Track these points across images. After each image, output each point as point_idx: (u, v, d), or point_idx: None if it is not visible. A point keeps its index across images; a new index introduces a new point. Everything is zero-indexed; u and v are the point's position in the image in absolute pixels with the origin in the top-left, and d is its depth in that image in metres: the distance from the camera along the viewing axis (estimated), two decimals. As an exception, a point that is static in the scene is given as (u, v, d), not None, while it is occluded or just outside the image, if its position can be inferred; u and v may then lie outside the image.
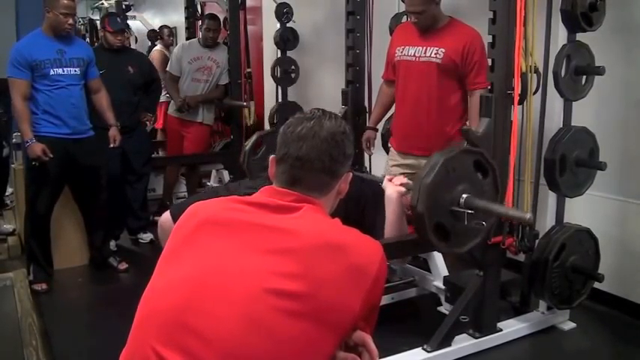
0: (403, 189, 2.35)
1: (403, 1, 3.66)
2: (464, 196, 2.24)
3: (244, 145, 3.31)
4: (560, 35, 2.63)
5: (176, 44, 6.57)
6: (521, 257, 2.77)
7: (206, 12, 6.49)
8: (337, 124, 1.36)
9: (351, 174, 1.42)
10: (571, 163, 2.68)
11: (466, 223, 2.25)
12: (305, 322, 1.11)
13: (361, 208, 2.47)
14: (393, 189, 2.37)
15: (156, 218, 4.41)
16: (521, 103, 2.57)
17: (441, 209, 2.24)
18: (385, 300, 2.92)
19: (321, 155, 1.31)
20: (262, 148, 3.39)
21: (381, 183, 2.50)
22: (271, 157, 1.40)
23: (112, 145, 3.79)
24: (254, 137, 3.38)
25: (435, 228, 2.25)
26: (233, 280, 1.15)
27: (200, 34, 5.15)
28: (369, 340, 1.22)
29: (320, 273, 1.14)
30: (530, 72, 2.60)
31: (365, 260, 1.20)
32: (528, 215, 2.18)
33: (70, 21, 3.45)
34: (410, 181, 2.38)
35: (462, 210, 2.23)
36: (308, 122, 1.34)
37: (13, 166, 4.59)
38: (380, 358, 1.24)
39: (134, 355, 1.18)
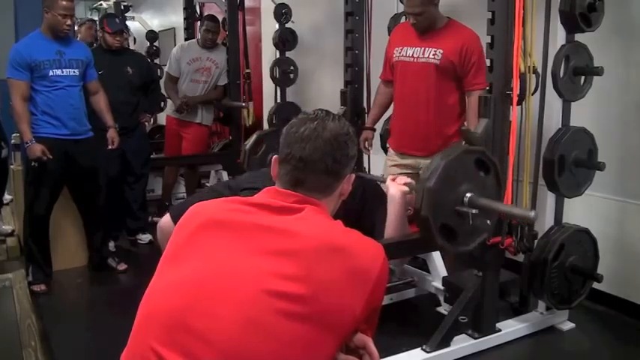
0: (406, 188, 2.35)
1: (402, 2, 3.67)
2: (467, 195, 2.25)
3: (244, 144, 3.31)
4: (559, 36, 2.63)
5: (175, 45, 6.57)
6: (520, 257, 2.77)
7: (205, 13, 6.49)
8: (340, 125, 1.36)
9: (353, 175, 1.42)
10: (570, 163, 2.68)
11: (471, 222, 2.25)
12: (306, 324, 1.11)
13: (360, 207, 2.47)
14: (396, 189, 2.36)
15: (155, 219, 4.42)
16: (519, 103, 2.57)
17: (445, 210, 2.25)
18: (384, 300, 2.89)
19: (324, 156, 1.31)
20: (262, 148, 3.39)
21: (381, 182, 2.50)
22: (274, 157, 1.39)
23: (110, 147, 3.79)
24: (254, 137, 3.38)
25: (440, 229, 2.25)
26: (234, 281, 1.15)
27: (199, 35, 5.14)
28: (370, 342, 1.22)
29: (321, 275, 1.14)
30: (529, 72, 2.60)
31: (367, 263, 1.20)
32: (532, 213, 2.18)
33: (69, 22, 3.45)
34: (412, 181, 2.38)
35: (467, 210, 2.23)
36: (311, 123, 1.34)
37: (11, 167, 4.59)
38: (379, 358, 1.24)
39: (134, 356, 1.17)
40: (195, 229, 1.27)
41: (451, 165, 2.23)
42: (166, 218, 2.34)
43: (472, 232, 2.34)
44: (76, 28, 5.42)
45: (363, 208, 2.46)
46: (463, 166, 2.28)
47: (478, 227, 2.32)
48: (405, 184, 2.36)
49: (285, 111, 4.95)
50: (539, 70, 2.69)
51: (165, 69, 5.32)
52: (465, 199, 2.25)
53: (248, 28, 5.26)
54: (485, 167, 2.35)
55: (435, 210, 2.21)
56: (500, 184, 2.40)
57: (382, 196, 2.46)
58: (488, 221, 2.33)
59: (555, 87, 2.62)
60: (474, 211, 2.22)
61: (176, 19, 7.59)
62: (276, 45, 5.22)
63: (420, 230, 2.30)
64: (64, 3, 3.37)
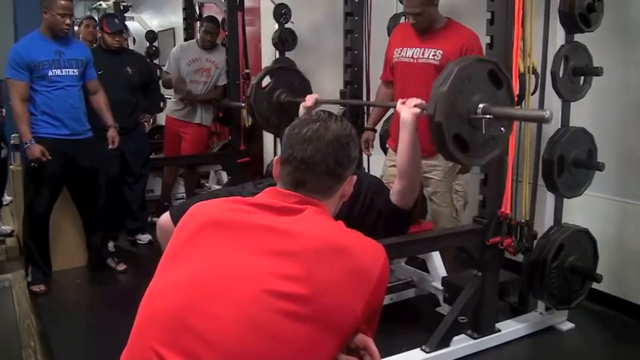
0: (418, 110, 2.31)
1: (401, 2, 3.67)
2: (480, 105, 2.16)
3: (252, 79, 3.32)
4: (559, 36, 2.64)
5: (174, 45, 6.57)
6: (520, 258, 2.78)
7: (204, 13, 6.48)
8: (343, 126, 1.36)
9: (355, 177, 1.42)
10: (569, 163, 2.68)
11: (484, 132, 2.17)
12: (306, 324, 1.11)
13: (366, 205, 2.47)
14: (407, 111, 2.33)
15: (154, 219, 4.41)
16: (519, 103, 2.57)
17: (458, 118, 2.16)
18: (384, 300, 2.92)
19: (326, 158, 1.31)
20: (269, 84, 3.40)
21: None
22: (275, 157, 1.40)
23: (110, 147, 3.79)
24: (261, 72, 3.39)
25: (453, 138, 2.17)
26: (235, 281, 1.15)
27: (198, 36, 5.14)
28: (370, 343, 1.22)
29: (322, 276, 1.14)
30: (529, 73, 2.60)
31: (367, 263, 1.20)
32: (547, 113, 2.05)
33: (68, 21, 3.45)
34: (423, 102, 2.32)
35: (481, 117, 2.15)
36: (313, 124, 1.34)
37: (11, 167, 4.59)
38: (379, 359, 1.24)
39: (135, 356, 1.17)
40: (195, 229, 1.26)
41: (464, 72, 2.15)
42: (165, 216, 2.35)
43: (484, 145, 2.26)
44: (75, 28, 5.40)
45: (369, 207, 2.46)
46: (476, 76, 2.19)
47: (491, 139, 2.25)
48: (416, 105, 2.33)
49: (285, 111, 4.96)
50: (539, 71, 2.69)
51: (165, 69, 5.31)
52: (479, 109, 2.16)
53: (247, 29, 5.26)
54: (498, 81, 2.26)
55: (448, 117, 2.12)
56: (513, 99, 2.33)
57: (387, 192, 2.47)
58: (503, 129, 2.25)
59: (555, 87, 2.63)
60: (488, 116, 2.14)
61: (175, 19, 7.59)
62: (275, 45, 5.22)
63: (432, 138, 2.19)
64: (63, 2, 3.37)
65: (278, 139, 4.86)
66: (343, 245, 1.20)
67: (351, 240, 1.24)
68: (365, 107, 3.65)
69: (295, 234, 1.20)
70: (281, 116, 3.51)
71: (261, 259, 1.17)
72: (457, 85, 2.12)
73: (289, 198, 1.30)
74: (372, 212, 2.47)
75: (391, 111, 3.51)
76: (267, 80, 3.52)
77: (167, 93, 5.44)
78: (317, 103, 3.06)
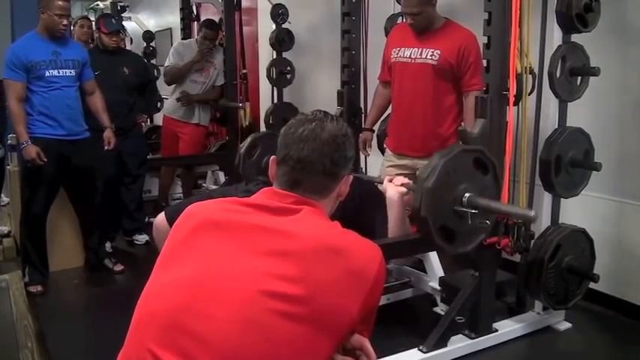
0: (404, 189, 2.34)
1: (399, 2, 3.67)
2: (466, 195, 2.23)
3: (239, 147, 3.31)
4: (555, 36, 2.64)
5: (171, 45, 6.55)
6: (517, 258, 2.78)
7: (201, 13, 6.49)
8: (339, 126, 1.36)
9: (351, 176, 1.42)
10: (566, 163, 2.68)
11: (470, 222, 2.23)
12: (302, 325, 1.11)
13: (357, 209, 2.47)
14: (394, 190, 2.35)
15: (151, 219, 4.38)
16: (516, 103, 2.57)
17: (444, 211, 2.23)
18: (381, 301, 2.90)
19: (322, 158, 1.31)
20: (257, 151, 3.40)
21: (378, 183, 2.49)
22: (272, 157, 1.39)
23: (106, 148, 3.78)
24: (248, 140, 3.39)
25: (439, 230, 2.24)
26: (231, 281, 1.15)
27: (197, 36, 5.13)
28: (367, 343, 1.22)
29: (318, 276, 1.14)
30: (526, 73, 2.60)
31: (364, 264, 1.20)
32: (532, 213, 2.15)
33: (65, 22, 3.45)
34: (410, 181, 2.37)
35: (466, 210, 2.21)
36: (309, 124, 1.34)
37: (8, 167, 4.58)
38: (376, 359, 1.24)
39: (131, 357, 1.17)
40: (192, 230, 1.26)
41: (450, 164, 2.22)
42: (161, 217, 2.34)
43: (471, 233, 2.33)
44: (72, 28, 5.39)
45: (359, 209, 2.45)
46: (462, 166, 2.27)
47: (477, 227, 2.31)
48: (402, 184, 2.36)
49: (282, 111, 4.95)
50: (536, 71, 2.69)
51: (166, 63, 5.27)
52: (464, 199, 2.23)
53: (245, 29, 5.25)
54: (484, 167, 2.34)
55: (434, 210, 2.19)
56: (499, 184, 2.40)
57: (379, 197, 2.46)
58: (488, 221, 2.32)
59: (552, 87, 2.63)
60: (473, 211, 2.21)
61: (173, 19, 7.57)
62: (272, 45, 5.21)
63: (418, 231, 2.29)
64: (60, 3, 3.36)
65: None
66: (340, 246, 1.20)
67: (347, 240, 1.24)
68: (362, 107, 3.64)
69: (292, 234, 1.20)
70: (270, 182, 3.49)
71: (258, 260, 1.17)
72: (442, 178, 2.19)
73: (285, 198, 1.30)
74: (364, 222, 2.47)
75: (389, 111, 3.51)
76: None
77: (164, 93, 5.43)
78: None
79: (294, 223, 1.23)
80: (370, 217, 2.45)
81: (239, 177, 3.45)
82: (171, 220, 2.13)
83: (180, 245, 1.26)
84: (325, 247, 1.18)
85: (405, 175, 2.95)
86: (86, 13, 9.92)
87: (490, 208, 2.26)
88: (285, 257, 1.16)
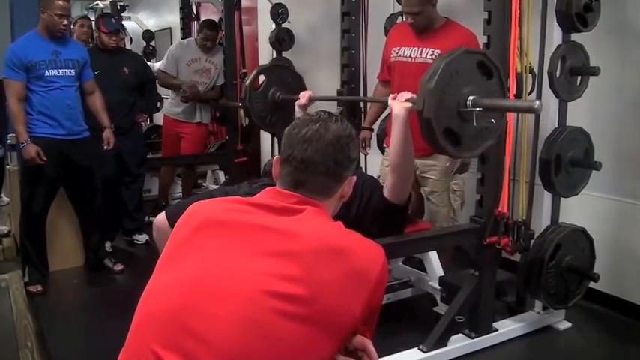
0: (410, 104, 2.29)
1: (399, 2, 3.67)
2: (470, 97, 2.15)
3: (245, 80, 3.32)
4: (555, 36, 2.64)
5: (171, 44, 6.55)
6: (517, 257, 2.78)
7: (201, 12, 6.48)
8: (343, 127, 1.36)
9: (355, 177, 1.42)
10: (566, 163, 2.68)
11: (475, 123, 2.17)
12: (305, 325, 1.11)
13: (363, 205, 2.47)
14: (399, 106, 2.32)
15: (151, 219, 4.39)
16: (516, 103, 2.57)
17: (448, 112, 2.15)
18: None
19: (326, 159, 1.31)
20: (263, 82, 3.40)
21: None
22: (275, 157, 1.39)
23: (106, 148, 3.78)
24: (254, 72, 3.39)
25: (444, 133, 2.16)
26: (233, 281, 1.15)
27: (196, 36, 5.13)
28: (369, 344, 1.22)
29: (321, 276, 1.14)
30: (525, 72, 2.60)
31: (366, 264, 1.20)
32: (537, 104, 2.04)
33: (65, 22, 3.45)
34: (415, 96, 2.28)
35: (470, 109, 2.14)
36: (313, 125, 1.34)
37: (8, 167, 4.58)
38: (377, 359, 1.24)
39: (132, 357, 1.17)
40: (193, 229, 1.26)
41: (452, 66, 2.14)
42: (161, 216, 2.34)
43: (477, 136, 2.25)
44: (72, 27, 5.38)
45: (361, 201, 2.46)
46: (465, 69, 2.18)
47: (483, 130, 2.24)
48: (407, 99, 2.31)
49: (282, 111, 4.96)
50: (536, 70, 2.69)
51: (158, 65, 5.26)
52: (469, 102, 2.15)
53: (245, 28, 5.25)
54: (488, 71, 2.25)
55: (437, 112, 2.11)
56: (504, 90, 2.33)
57: (377, 185, 2.46)
58: (493, 120, 2.23)
59: (552, 87, 2.63)
60: (478, 109, 2.13)
61: (172, 19, 7.57)
62: (272, 45, 5.22)
63: (422, 134, 2.19)
64: (61, 3, 3.36)
65: (275, 139, 4.86)
66: (342, 246, 1.20)
67: (350, 241, 1.24)
68: (362, 107, 3.65)
69: (294, 234, 1.19)
70: (277, 115, 3.52)
71: (260, 260, 1.16)
72: (445, 79, 2.11)
73: (288, 198, 1.30)
74: (368, 211, 2.47)
75: (388, 110, 3.51)
76: (261, 78, 3.52)
77: (164, 93, 5.43)
78: (311, 99, 3.06)
79: (297, 223, 1.23)
80: (371, 205, 2.46)
81: (238, 175, 3.47)
82: (171, 220, 2.13)
83: (181, 244, 1.26)
84: (327, 248, 1.18)
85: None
86: (86, 13, 9.92)
87: (495, 105, 2.19)
88: (288, 257, 1.16)
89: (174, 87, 4.95)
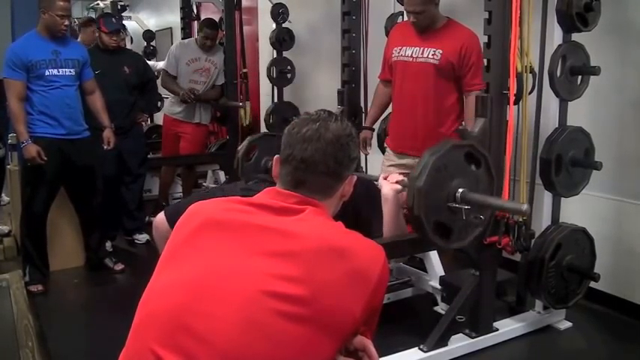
0: (399, 187, 2.32)
1: (399, 2, 3.67)
2: (459, 190, 2.22)
3: (237, 150, 3.32)
4: (556, 35, 2.64)
5: (171, 45, 6.55)
6: (518, 257, 2.78)
7: (202, 12, 6.48)
8: (343, 126, 1.36)
9: (355, 177, 1.41)
10: (567, 162, 2.68)
11: (464, 218, 2.24)
12: (305, 326, 1.11)
13: (354, 206, 2.46)
14: (388, 187, 2.34)
15: (152, 219, 4.38)
16: (516, 103, 2.57)
17: (438, 208, 2.23)
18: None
19: (326, 158, 1.31)
20: (255, 152, 3.40)
21: (375, 181, 2.48)
22: (275, 157, 1.39)
23: (106, 147, 3.78)
24: (245, 142, 3.40)
25: (434, 227, 2.24)
26: (233, 281, 1.14)
27: (197, 35, 5.13)
28: (369, 344, 1.22)
29: (321, 277, 1.14)
30: (526, 72, 2.60)
31: (367, 265, 1.19)
32: (525, 207, 2.13)
33: (67, 22, 3.45)
34: (405, 178, 2.35)
35: (459, 206, 2.22)
36: (313, 124, 1.33)
37: (8, 167, 4.58)
38: (378, 359, 1.24)
39: (133, 357, 1.17)
40: (194, 229, 1.26)
41: (440, 161, 2.21)
42: (160, 216, 2.33)
43: (466, 227, 2.32)
44: (75, 26, 5.38)
45: (357, 210, 2.45)
46: (453, 162, 2.26)
47: (472, 222, 2.31)
48: (397, 182, 2.34)
49: (282, 111, 4.97)
50: (536, 70, 2.69)
51: (161, 65, 5.27)
52: (457, 195, 2.22)
53: (245, 28, 5.26)
54: (476, 161, 2.32)
55: (427, 208, 2.19)
56: (493, 177, 2.37)
57: (378, 197, 2.45)
58: (482, 216, 2.31)
59: (552, 86, 2.63)
60: (466, 207, 2.21)
61: (173, 18, 7.57)
62: (273, 45, 5.22)
63: (413, 229, 2.29)
64: (62, 4, 3.36)
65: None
66: (343, 246, 1.20)
67: (350, 241, 1.23)
68: (363, 106, 3.64)
69: (294, 234, 1.19)
70: (271, 183, 3.51)
71: (260, 260, 1.16)
72: (433, 176, 2.19)
73: (289, 198, 1.29)
74: (363, 220, 2.46)
75: (389, 110, 3.51)
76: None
77: (165, 92, 5.43)
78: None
79: (297, 223, 1.23)
80: (366, 214, 2.44)
81: (239, 178, 3.46)
82: (171, 220, 2.13)
83: (182, 245, 1.26)
84: (328, 248, 1.18)
85: (406, 175, 2.95)
86: (87, 13, 9.92)
87: (483, 202, 2.26)
88: (288, 257, 1.15)
89: (175, 92, 4.96)
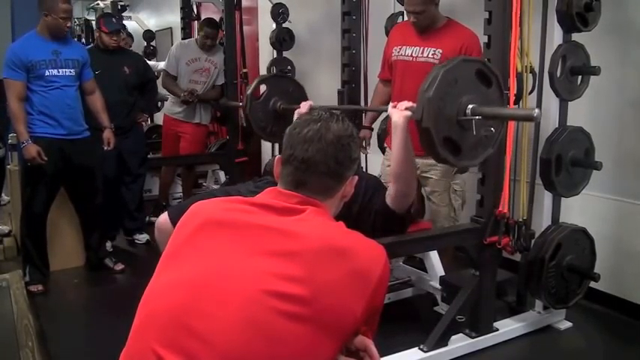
0: (409, 113, 2.27)
1: (399, 2, 3.68)
2: (470, 106, 2.14)
3: (246, 89, 3.32)
4: (556, 35, 2.64)
5: (171, 45, 6.55)
6: (518, 257, 2.78)
7: (202, 12, 6.48)
8: (344, 127, 1.36)
9: (356, 177, 1.41)
10: (567, 162, 2.68)
11: (475, 132, 2.16)
12: (306, 325, 1.11)
13: (365, 204, 2.45)
14: (399, 114, 2.30)
15: (152, 219, 4.41)
16: (517, 103, 2.57)
17: (447, 121, 2.14)
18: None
19: (327, 158, 1.31)
20: (264, 92, 3.40)
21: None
22: (277, 157, 1.39)
23: (105, 148, 3.78)
24: (255, 81, 3.39)
25: (443, 142, 2.16)
26: (234, 281, 1.14)
27: (197, 35, 5.13)
28: (370, 344, 1.21)
29: (322, 277, 1.14)
30: (526, 72, 2.60)
31: (368, 265, 1.20)
32: (536, 112, 2.03)
33: (69, 24, 3.46)
34: (414, 104, 2.26)
35: (470, 118, 2.13)
36: (315, 124, 1.34)
37: (8, 167, 4.58)
38: (378, 358, 1.24)
39: (134, 357, 1.17)
40: (195, 229, 1.26)
41: (450, 75, 2.13)
42: (164, 217, 2.34)
43: (477, 145, 2.25)
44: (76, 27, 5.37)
45: (363, 200, 2.45)
46: (464, 77, 2.18)
47: (482, 139, 2.23)
48: (407, 108, 2.30)
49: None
50: (536, 70, 2.69)
51: (162, 65, 5.27)
52: (468, 110, 2.14)
53: (245, 28, 5.26)
54: (487, 80, 2.25)
55: (436, 120, 2.11)
56: (504, 98, 2.32)
57: (380, 185, 2.45)
58: (493, 128, 2.23)
59: (552, 86, 2.63)
60: (477, 117, 2.12)
61: (173, 18, 7.58)
62: (273, 44, 5.22)
63: (421, 144, 2.19)
64: (64, 6, 3.36)
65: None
66: (344, 246, 1.20)
67: (351, 241, 1.23)
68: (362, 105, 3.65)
69: (296, 234, 1.19)
70: (277, 124, 3.52)
71: (262, 260, 1.16)
72: (443, 88, 2.11)
73: (290, 198, 1.29)
74: (370, 211, 2.46)
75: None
76: (262, 86, 3.52)
77: (165, 92, 5.43)
78: (312, 109, 3.06)
79: (299, 223, 1.23)
80: (371, 205, 2.45)
81: (239, 176, 3.47)
82: (174, 221, 2.13)
83: (183, 244, 1.26)
84: (329, 248, 1.18)
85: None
86: (87, 13, 9.93)
87: (494, 114, 2.19)
88: (289, 257, 1.15)
89: (175, 94, 4.96)
